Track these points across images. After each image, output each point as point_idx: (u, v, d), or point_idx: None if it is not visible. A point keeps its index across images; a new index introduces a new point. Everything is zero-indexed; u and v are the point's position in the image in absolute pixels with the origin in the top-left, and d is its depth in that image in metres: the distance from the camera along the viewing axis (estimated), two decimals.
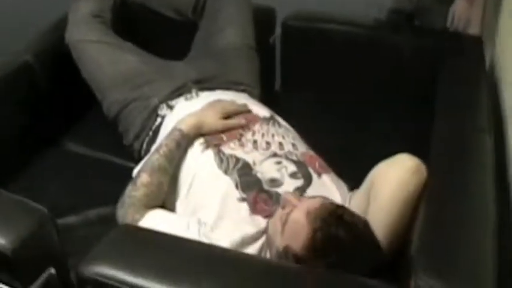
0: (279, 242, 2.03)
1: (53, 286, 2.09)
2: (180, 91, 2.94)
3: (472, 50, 3.32)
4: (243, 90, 3.01)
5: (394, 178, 2.08)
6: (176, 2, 3.49)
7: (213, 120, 2.56)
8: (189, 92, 2.95)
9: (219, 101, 2.75)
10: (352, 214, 2.02)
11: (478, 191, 2.11)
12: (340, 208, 2.03)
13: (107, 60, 3.18)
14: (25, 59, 3.22)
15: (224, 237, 2.09)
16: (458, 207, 2.02)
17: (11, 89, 3.13)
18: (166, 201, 2.46)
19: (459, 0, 3.66)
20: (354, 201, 2.31)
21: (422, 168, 2.10)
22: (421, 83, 3.07)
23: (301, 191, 2.32)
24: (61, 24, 3.49)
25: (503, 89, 2.97)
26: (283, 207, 2.11)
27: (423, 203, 2.01)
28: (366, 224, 2.02)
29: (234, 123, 2.59)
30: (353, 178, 2.52)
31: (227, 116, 2.62)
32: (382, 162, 2.23)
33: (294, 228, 1.98)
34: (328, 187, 2.39)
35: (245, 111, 2.71)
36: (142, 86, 3.01)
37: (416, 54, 3.43)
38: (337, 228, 1.89)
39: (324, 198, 2.12)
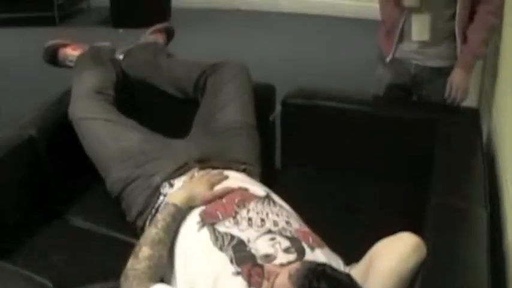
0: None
1: None
2: (182, 170, 2.98)
3: (468, 121, 3.39)
4: (243, 170, 3.03)
5: (396, 253, 2.12)
6: (177, 80, 3.53)
7: (202, 192, 2.63)
8: (190, 170, 2.99)
9: (205, 173, 2.82)
10: (333, 269, 2.06)
11: (472, 264, 2.16)
12: (320, 265, 2.07)
13: (109, 138, 3.22)
14: (30, 134, 3.24)
15: None
16: (452, 282, 2.07)
17: (16, 163, 3.16)
18: (164, 275, 2.50)
19: (456, 69, 3.71)
20: (352, 273, 2.28)
21: (423, 246, 2.13)
22: (418, 156, 3.10)
23: (296, 262, 2.31)
24: (65, 99, 3.58)
25: (500, 159, 3.02)
26: (268, 279, 2.14)
27: (420, 277, 2.05)
28: (348, 276, 2.08)
29: (221, 191, 2.67)
30: (348, 253, 2.54)
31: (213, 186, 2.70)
32: (384, 239, 2.27)
33: None
34: (321, 260, 2.37)
35: (223, 178, 2.80)
36: (144, 165, 3.05)
37: (414, 128, 3.49)
38: (319, 282, 1.92)
39: (306, 260, 2.20)
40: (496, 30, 3.76)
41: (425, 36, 3.71)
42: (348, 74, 6.12)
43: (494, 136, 3.38)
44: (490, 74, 4.31)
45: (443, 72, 3.79)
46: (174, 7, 9.62)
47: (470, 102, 4.93)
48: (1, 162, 3.06)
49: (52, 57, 3.97)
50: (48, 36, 4.03)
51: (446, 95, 3.75)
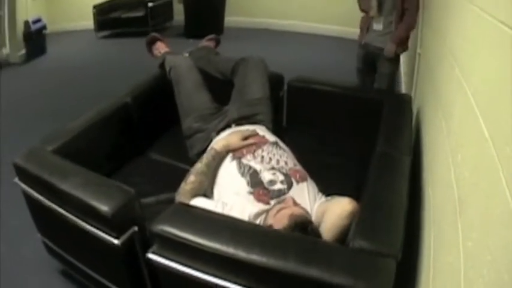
0: (270, 221, 2.19)
1: (135, 238, 2.23)
2: (226, 126, 3.06)
3: (404, 102, 3.43)
4: (263, 125, 3.07)
5: (338, 214, 2.17)
6: (220, 68, 3.57)
7: (235, 142, 2.69)
8: (230, 126, 3.07)
9: (239, 130, 2.88)
10: (313, 228, 2.17)
11: (396, 188, 2.25)
12: (309, 222, 2.17)
13: (194, 93, 3.32)
14: (125, 101, 3.37)
15: (238, 213, 2.23)
16: (383, 199, 2.18)
17: (115, 121, 3.27)
18: (208, 189, 2.60)
19: (388, 42, 4.28)
20: (316, 207, 2.41)
21: (356, 209, 2.15)
22: (372, 122, 3.11)
23: (286, 190, 2.45)
24: (149, 79, 3.75)
25: (423, 127, 3.07)
26: (282, 202, 2.30)
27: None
28: (317, 232, 2.17)
29: (248, 143, 2.71)
30: (323, 182, 2.66)
31: (245, 138, 2.75)
32: (335, 198, 2.37)
33: (280, 218, 2.15)
34: (302, 191, 2.49)
35: (255, 134, 2.82)
36: (209, 122, 3.14)
37: (371, 104, 3.54)
38: (300, 229, 2.09)
39: (306, 212, 2.27)
40: (413, 27, 4.25)
41: (380, 28, 4.33)
42: (334, 72, 6.23)
43: (420, 112, 3.41)
44: (418, 69, 4.42)
45: None
46: (226, 26, 9.67)
47: (407, 90, 5.10)
48: (107, 120, 3.18)
49: (150, 43, 4.04)
50: (142, 45, 4.12)
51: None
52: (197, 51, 3.96)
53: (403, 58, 5.28)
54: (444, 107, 2.22)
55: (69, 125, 3.01)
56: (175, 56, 3.77)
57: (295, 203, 2.27)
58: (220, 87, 3.47)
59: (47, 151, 2.68)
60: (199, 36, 4.61)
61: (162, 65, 3.68)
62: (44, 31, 9.04)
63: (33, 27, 8.73)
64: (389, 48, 4.30)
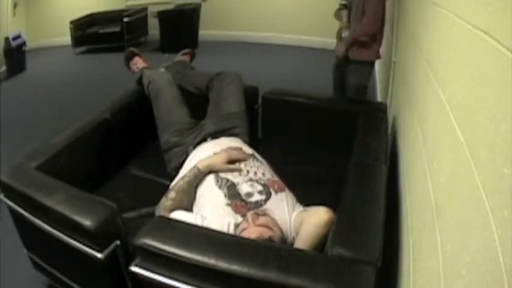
0: (243, 232, 2.22)
1: (118, 252, 2.25)
2: (202, 141, 3.09)
3: (379, 110, 3.46)
4: (239, 138, 3.10)
5: (315, 223, 2.19)
6: (196, 83, 3.60)
7: (219, 164, 2.66)
8: (206, 140, 3.10)
9: (226, 149, 2.85)
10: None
11: (373, 196, 2.28)
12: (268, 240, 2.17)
13: (173, 108, 3.34)
14: (105, 117, 3.38)
15: (217, 226, 2.24)
16: (360, 207, 2.20)
17: (96, 137, 3.28)
18: (188, 204, 2.59)
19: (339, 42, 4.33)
20: (294, 216, 2.41)
21: (333, 218, 2.18)
22: (347, 133, 3.11)
23: (264, 201, 2.46)
24: (129, 95, 3.76)
25: (399, 135, 3.11)
26: (244, 221, 2.30)
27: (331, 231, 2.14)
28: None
29: (232, 168, 2.68)
30: (300, 193, 2.67)
31: (230, 161, 2.73)
32: (312, 208, 2.38)
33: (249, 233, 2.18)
34: (280, 200, 2.50)
35: (243, 158, 2.79)
36: (187, 136, 3.17)
37: (346, 115, 3.57)
38: None
39: (268, 228, 2.24)
40: (368, 32, 4.12)
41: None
42: (310, 83, 6.22)
43: (395, 119, 3.44)
44: (394, 77, 4.40)
45: (354, 61, 4.31)
46: (201, 39, 9.70)
47: (383, 98, 5.08)
48: (87, 137, 3.18)
49: (128, 59, 4.04)
50: (119, 60, 4.14)
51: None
52: (173, 66, 3.98)
53: (378, 66, 5.30)
54: (420, 114, 2.24)
55: (51, 142, 3.02)
56: (153, 70, 3.80)
57: (254, 221, 2.24)
58: (196, 102, 3.50)
59: (31, 167, 2.69)
60: (175, 50, 4.64)
61: (140, 80, 3.70)
62: (23, 47, 9.03)
63: (13, 43, 8.71)
64: (338, 48, 4.35)
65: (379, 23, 4.18)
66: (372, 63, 4.46)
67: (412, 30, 3.13)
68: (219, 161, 2.70)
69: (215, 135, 3.13)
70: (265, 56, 9.22)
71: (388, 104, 4.24)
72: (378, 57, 4.37)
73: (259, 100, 3.90)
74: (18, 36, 8.92)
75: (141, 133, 3.70)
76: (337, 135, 3.54)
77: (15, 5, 10.16)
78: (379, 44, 4.31)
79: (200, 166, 2.67)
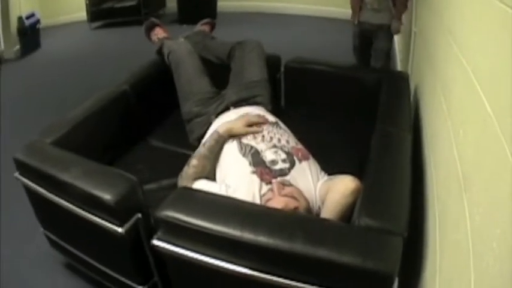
0: (268, 202, 2.20)
1: (139, 225, 2.20)
2: (225, 110, 3.04)
3: (402, 80, 3.42)
4: (262, 106, 3.06)
5: (341, 192, 2.17)
6: (217, 52, 3.58)
7: (239, 128, 2.64)
8: (229, 109, 3.05)
9: (246, 114, 2.82)
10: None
11: (399, 165, 2.26)
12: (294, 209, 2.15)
13: (194, 77, 3.30)
14: (124, 88, 3.34)
15: (242, 195, 2.22)
16: (386, 177, 2.17)
17: (114, 109, 3.23)
18: (211, 172, 2.57)
19: (393, 20, 4.33)
20: (320, 186, 2.39)
21: (359, 186, 2.16)
22: (370, 101, 3.11)
23: (288, 169, 2.42)
24: (146, 67, 3.71)
25: (422, 104, 3.05)
26: (269, 191, 2.28)
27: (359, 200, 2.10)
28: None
29: (252, 131, 2.66)
30: (325, 161, 2.64)
31: (250, 124, 2.70)
32: (338, 176, 2.36)
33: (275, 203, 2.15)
34: (304, 170, 2.47)
35: (261, 122, 2.76)
36: (208, 106, 3.12)
37: (368, 84, 3.51)
38: None
39: (293, 198, 2.21)
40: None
41: (376, 6, 4.33)
42: (330, 52, 6.19)
43: (417, 89, 3.40)
44: (414, 47, 4.38)
45: (384, 27, 4.39)
46: (219, 11, 9.62)
47: (403, 67, 5.10)
48: (105, 109, 3.15)
49: (148, 29, 3.99)
50: (137, 34, 4.10)
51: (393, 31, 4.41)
52: (193, 36, 3.92)
53: (397, 37, 5.26)
54: (443, 84, 2.21)
55: (67, 116, 2.98)
56: (174, 41, 3.75)
57: (280, 191, 2.23)
58: (218, 72, 3.45)
59: (46, 143, 2.65)
60: (193, 22, 4.58)
61: (160, 51, 3.67)
62: (37, 26, 9.01)
63: (27, 22, 8.69)
64: (396, 26, 4.36)
65: None
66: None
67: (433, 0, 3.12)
68: (239, 125, 2.69)
69: (238, 104, 3.09)
70: (285, 26, 9.13)
71: (409, 72, 4.20)
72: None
73: (282, 69, 3.85)
74: (31, 15, 8.90)
75: (162, 104, 3.66)
76: (360, 104, 3.52)
77: None
78: None
79: (220, 130, 2.66)
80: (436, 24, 2.80)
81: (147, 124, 3.55)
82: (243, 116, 2.81)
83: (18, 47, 8.60)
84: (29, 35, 8.75)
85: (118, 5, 10.12)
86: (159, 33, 3.97)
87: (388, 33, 4.45)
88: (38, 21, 8.98)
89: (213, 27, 4.26)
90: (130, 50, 6.86)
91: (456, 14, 2.07)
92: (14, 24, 8.51)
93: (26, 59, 8.34)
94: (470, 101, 1.49)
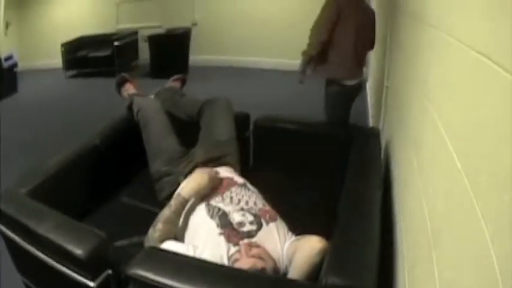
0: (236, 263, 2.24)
1: (110, 281, 2.23)
2: (193, 169, 3.02)
3: (373, 136, 3.49)
4: (230, 166, 3.09)
5: (308, 252, 2.24)
6: (186, 110, 3.64)
7: (204, 180, 2.70)
8: (197, 169, 3.01)
9: (206, 171, 2.84)
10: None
11: (367, 224, 2.28)
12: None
13: (162, 136, 3.33)
14: (95, 143, 3.40)
15: (209, 256, 2.25)
16: (354, 235, 2.20)
17: (85, 163, 3.28)
18: (178, 233, 2.60)
19: None
20: (287, 246, 2.42)
21: (326, 246, 2.22)
22: (340, 158, 3.15)
23: (256, 231, 2.45)
24: (118, 121, 3.78)
25: (392, 160, 3.10)
26: (237, 253, 2.32)
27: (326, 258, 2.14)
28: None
29: (216, 178, 2.78)
30: (293, 222, 2.67)
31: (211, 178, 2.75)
32: (305, 237, 2.40)
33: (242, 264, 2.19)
34: (272, 231, 2.49)
35: (225, 178, 2.84)
36: (177, 165, 3.13)
37: (338, 141, 3.58)
38: None
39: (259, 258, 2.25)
40: None
41: None
42: (302, 106, 6.26)
43: (388, 145, 3.44)
44: (386, 102, 4.40)
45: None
46: (191, 65, 9.74)
47: (375, 122, 5.11)
48: (76, 163, 3.20)
49: (119, 84, 4.05)
50: (110, 85, 4.17)
51: None
52: (163, 93, 3.99)
53: (369, 91, 5.30)
54: (414, 140, 2.23)
55: (41, 168, 3.04)
56: (143, 98, 3.81)
57: (247, 252, 2.27)
58: (187, 129, 3.51)
59: (22, 193, 2.71)
60: (165, 75, 4.65)
61: (130, 107, 3.69)
62: (15, 69, 9.03)
63: (5, 64, 8.71)
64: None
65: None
66: None
67: (405, 54, 3.09)
68: (202, 178, 2.73)
69: (206, 164, 3.10)
70: (257, 80, 9.36)
71: (380, 128, 4.23)
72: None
73: (251, 127, 3.91)
74: (10, 57, 8.92)
75: (132, 159, 3.67)
76: (329, 162, 3.57)
77: (7, 25, 10.20)
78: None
79: (184, 193, 2.67)
80: (408, 78, 2.80)
81: (119, 179, 3.56)
82: (203, 173, 2.83)
83: None
84: (6, 77, 8.76)
85: (92, 54, 10.22)
86: (129, 88, 4.02)
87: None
88: (15, 64, 9.01)
89: (183, 83, 4.31)
90: (103, 101, 6.90)
91: (429, 67, 2.06)
92: None
93: (2, 102, 8.39)
94: (440, 157, 1.51)
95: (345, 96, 4.61)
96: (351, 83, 4.50)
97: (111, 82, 4.17)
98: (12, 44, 10.12)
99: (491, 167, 1.00)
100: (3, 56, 8.76)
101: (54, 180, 2.97)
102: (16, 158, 5.53)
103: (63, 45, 10.37)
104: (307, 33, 4.27)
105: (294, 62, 9.31)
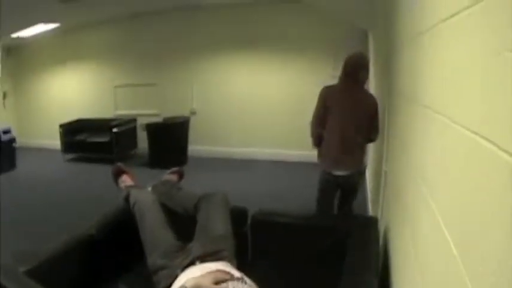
0: None
1: None
2: (190, 264, 3.02)
3: (370, 227, 3.51)
4: (227, 261, 3.06)
5: None
6: (183, 204, 3.66)
7: (207, 285, 2.64)
8: (195, 263, 3.03)
9: (216, 271, 2.80)
10: None
11: None
12: None
13: (157, 230, 3.34)
14: (91, 233, 3.39)
15: None
16: None
17: (81, 253, 3.27)
18: None
19: None
20: None
21: None
22: (339, 249, 3.17)
23: None
24: (114, 211, 3.79)
25: (390, 247, 3.11)
26: None
27: None
28: None
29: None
30: None
31: (217, 282, 2.67)
32: None
33: None
34: None
35: (227, 278, 2.74)
36: (174, 259, 3.10)
37: (336, 232, 3.57)
38: None
39: None
40: None
41: None
42: (294, 200, 6.28)
43: (387, 230, 3.45)
44: (385, 187, 4.35)
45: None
46: (190, 155, 9.83)
47: (373, 207, 5.15)
48: (73, 250, 3.21)
49: (116, 175, 4.11)
50: (108, 173, 4.22)
51: None
52: (160, 186, 4.02)
53: (368, 176, 5.34)
54: (411, 225, 2.22)
55: (40, 249, 3.05)
56: (140, 190, 3.84)
57: None
58: (184, 223, 3.52)
59: (21, 272, 2.72)
60: (164, 165, 4.70)
61: (127, 199, 3.72)
62: (14, 144, 9.10)
63: (3, 137, 8.77)
64: None
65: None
66: None
67: (402, 137, 3.08)
68: (206, 283, 2.66)
69: (203, 258, 3.08)
70: (255, 171, 9.43)
71: (379, 215, 4.26)
72: None
73: (249, 221, 3.91)
74: (8, 131, 9.01)
75: (129, 250, 3.63)
76: (328, 253, 3.54)
77: (4, 95, 10.32)
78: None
79: (188, 285, 2.64)
80: (405, 163, 2.79)
81: (115, 270, 3.53)
82: (209, 273, 2.82)
83: None
84: (4, 151, 8.81)
85: (91, 140, 10.33)
86: (126, 180, 4.07)
87: None
88: (13, 140, 9.09)
89: (181, 176, 4.35)
90: (100, 188, 6.95)
91: (425, 151, 2.04)
92: None
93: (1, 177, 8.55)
94: (436, 243, 1.50)
95: (331, 183, 4.75)
96: (338, 173, 4.63)
97: (109, 169, 4.21)
98: (10, 116, 10.22)
99: (486, 253, 0.99)
100: (1, 129, 8.84)
101: (52, 264, 2.97)
102: (9, 234, 5.52)
103: (61, 126, 10.56)
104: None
105: (293, 152, 9.59)
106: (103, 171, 7.29)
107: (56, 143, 10.71)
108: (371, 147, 5.86)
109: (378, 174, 4.98)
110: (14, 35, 10.28)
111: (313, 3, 8.10)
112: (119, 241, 3.62)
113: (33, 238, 3.12)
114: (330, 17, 8.77)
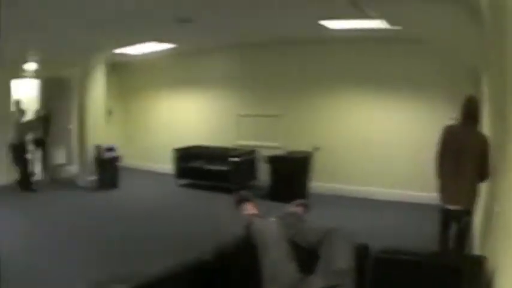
0: None
1: None
2: None
3: (478, 266, 3.38)
4: None
5: None
6: (308, 238, 3.57)
7: None
8: None
9: None
10: None
11: None
12: None
13: (272, 263, 3.28)
14: (206, 259, 3.36)
15: None
16: None
17: (193, 277, 3.25)
18: None
19: None
20: None
21: None
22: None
23: None
24: (233, 240, 3.74)
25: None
26: None
27: None
28: None
29: None
30: None
31: None
32: None
33: None
34: None
35: None
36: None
37: (452, 271, 3.45)
38: None
39: None
40: None
41: None
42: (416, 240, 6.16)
43: (494, 272, 3.24)
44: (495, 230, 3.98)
45: None
46: (312, 192, 9.72)
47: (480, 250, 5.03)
48: (186, 275, 3.21)
49: (238, 202, 4.11)
50: (224, 200, 4.18)
51: None
52: (286, 217, 3.94)
53: (477, 216, 5.33)
54: None
55: (144, 272, 3.04)
56: (264, 220, 3.80)
57: None
58: (304, 255, 3.45)
59: None
60: (283, 199, 4.61)
61: (248, 227, 3.69)
62: (117, 163, 9.34)
63: (106, 154, 8.98)
64: None
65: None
66: None
67: None
68: None
69: None
70: (375, 210, 9.28)
71: (488, 254, 3.95)
72: None
73: (369, 258, 3.75)
74: (111, 149, 9.21)
75: (246, 282, 3.57)
76: None
77: (109, 112, 10.58)
78: None
79: None
80: None
81: None
82: None
83: (94, 177, 8.86)
84: (107, 169, 9.03)
85: (207, 167, 10.50)
86: (249, 208, 4.05)
87: None
88: (117, 158, 9.32)
89: (306, 208, 4.26)
90: (214, 216, 6.97)
91: None
92: (90, 151, 9.08)
93: (101, 193, 8.98)
94: None
95: (445, 217, 5.09)
96: (450, 207, 4.95)
97: (223, 197, 4.16)
98: (114, 134, 10.50)
99: None
100: (105, 146, 9.09)
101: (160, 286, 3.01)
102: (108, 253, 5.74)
103: (175, 150, 10.82)
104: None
105: (413, 193, 9.32)
106: (220, 199, 7.32)
107: (162, 166, 10.90)
108: (482, 188, 5.78)
109: (487, 214, 4.80)
110: (118, 51, 10.42)
111: (432, 43, 8.60)
112: (237, 272, 3.56)
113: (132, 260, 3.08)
114: (445, 56, 8.91)
